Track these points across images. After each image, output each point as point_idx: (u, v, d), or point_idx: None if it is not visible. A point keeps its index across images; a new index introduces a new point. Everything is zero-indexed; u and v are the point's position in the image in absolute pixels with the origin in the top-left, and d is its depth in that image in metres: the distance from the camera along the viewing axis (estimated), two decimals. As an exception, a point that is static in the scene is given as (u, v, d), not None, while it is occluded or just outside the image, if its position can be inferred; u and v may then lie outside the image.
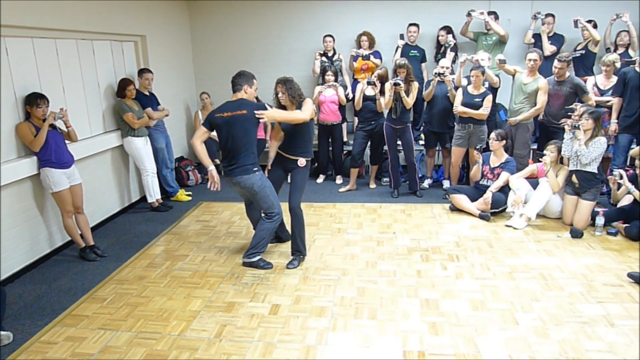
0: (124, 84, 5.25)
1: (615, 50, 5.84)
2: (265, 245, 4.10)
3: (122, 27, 5.50)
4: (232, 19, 7.25)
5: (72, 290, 3.81)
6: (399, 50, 6.49)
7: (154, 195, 5.59)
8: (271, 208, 4.01)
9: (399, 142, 5.78)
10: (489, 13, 6.12)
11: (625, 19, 5.70)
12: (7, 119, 3.96)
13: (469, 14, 6.09)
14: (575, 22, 5.87)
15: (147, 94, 5.66)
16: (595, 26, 5.90)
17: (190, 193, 6.17)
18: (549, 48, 6.09)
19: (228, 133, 3.85)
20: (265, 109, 3.87)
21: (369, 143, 6.05)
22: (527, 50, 5.63)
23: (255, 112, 3.80)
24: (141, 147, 5.39)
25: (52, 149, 4.06)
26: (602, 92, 5.54)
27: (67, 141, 4.32)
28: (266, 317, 3.32)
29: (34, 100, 3.99)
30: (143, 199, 5.88)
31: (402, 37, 6.51)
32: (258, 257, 4.06)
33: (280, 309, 3.40)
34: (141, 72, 5.62)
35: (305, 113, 3.94)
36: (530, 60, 5.28)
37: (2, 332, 3.12)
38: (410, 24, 6.50)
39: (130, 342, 3.07)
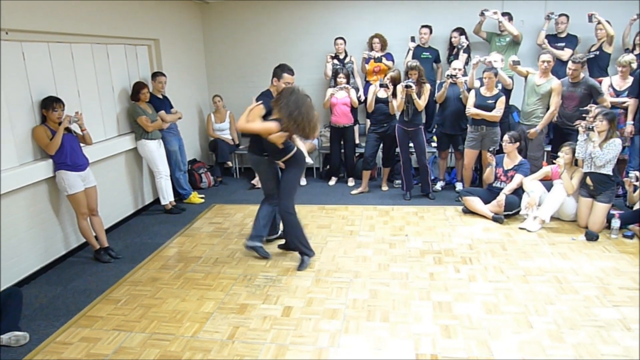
0: (138, 87, 5.31)
1: (632, 51, 5.77)
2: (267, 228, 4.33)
3: (136, 31, 5.57)
4: (244, 22, 7.30)
5: (87, 292, 3.85)
6: (410, 52, 6.47)
7: (167, 197, 5.64)
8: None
9: (411, 145, 5.76)
10: (503, 14, 6.08)
11: None
12: (24, 122, 4.03)
13: (482, 14, 6.06)
14: (590, 17, 5.80)
15: (161, 97, 5.71)
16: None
17: (203, 195, 6.21)
18: (563, 54, 6.02)
19: None
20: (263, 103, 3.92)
21: (381, 145, 6.04)
22: (540, 51, 5.58)
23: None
24: (154, 150, 5.44)
25: (67, 152, 4.12)
26: (617, 93, 5.46)
27: (82, 144, 4.38)
28: (278, 319, 3.32)
29: (49, 104, 4.05)
30: (156, 201, 5.93)
31: (413, 39, 6.50)
32: (259, 244, 4.26)
33: (292, 311, 3.41)
34: (154, 75, 5.68)
35: (249, 125, 3.80)
36: (543, 62, 5.24)
37: (19, 333, 3.17)
38: (422, 26, 6.48)
39: (144, 343, 3.10)
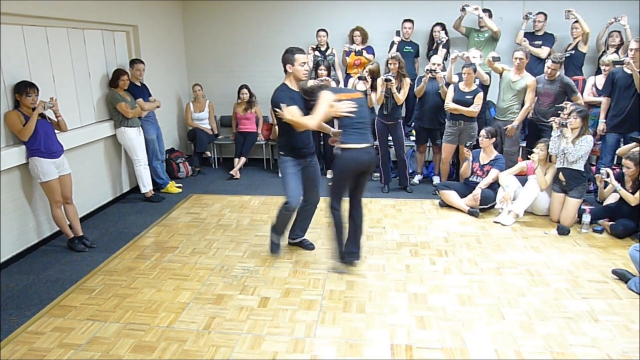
0: (118, 74, 5.22)
1: (605, 52, 5.90)
2: (282, 227, 4.07)
3: (114, 17, 5.45)
4: (225, 10, 7.21)
5: (60, 281, 3.79)
6: (395, 46, 6.47)
7: (147, 186, 5.59)
8: (285, 194, 3.87)
9: (390, 138, 5.79)
10: (483, 10, 6.13)
11: (623, 22, 5.72)
12: (-4, 107, 3.92)
13: (463, 9, 6.10)
14: (567, 14, 5.89)
15: (139, 84, 5.63)
16: None
17: (180, 185, 6.15)
18: (540, 53, 6.13)
19: None
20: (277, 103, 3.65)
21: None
22: (515, 49, 5.68)
23: (275, 110, 3.67)
24: (134, 138, 5.37)
25: (41, 139, 4.03)
26: (599, 93, 5.59)
27: (56, 131, 4.28)
28: (255, 309, 3.33)
29: (23, 89, 3.95)
30: (134, 189, 5.86)
31: (398, 33, 6.48)
32: (277, 237, 4.11)
33: (269, 302, 3.42)
34: (133, 62, 5.59)
35: (313, 118, 3.54)
36: (517, 58, 5.34)
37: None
38: (406, 20, 6.50)
39: (118, 333, 3.07)
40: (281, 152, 3.88)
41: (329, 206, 3.83)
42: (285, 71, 3.72)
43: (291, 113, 3.57)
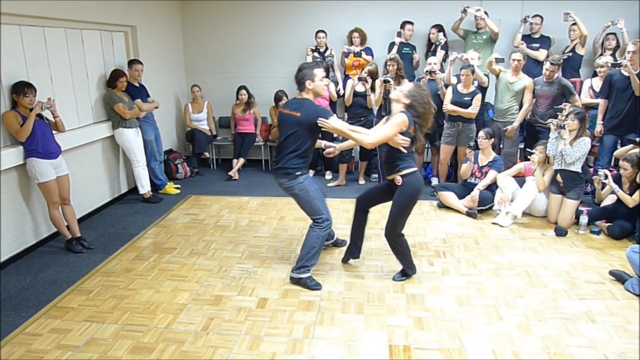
0: (116, 75, 5.22)
1: (602, 54, 5.92)
2: (316, 257, 3.63)
3: (112, 17, 5.45)
4: (224, 11, 7.21)
5: (58, 282, 3.78)
6: (395, 47, 6.46)
7: (146, 186, 5.58)
8: (317, 213, 3.60)
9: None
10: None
11: (621, 25, 5.75)
12: (-6, 107, 3.92)
13: (464, 11, 6.11)
14: (565, 16, 5.91)
15: (137, 85, 5.62)
16: None
17: (178, 186, 6.14)
18: (539, 55, 6.15)
19: (281, 130, 3.60)
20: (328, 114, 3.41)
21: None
22: (513, 50, 5.69)
23: (319, 120, 3.38)
24: (132, 139, 5.36)
25: (38, 139, 4.02)
26: (597, 94, 5.62)
27: (54, 131, 4.28)
28: (253, 310, 3.33)
29: (21, 89, 3.94)
30: (132, 190, 5.85)
31: (399, 34, 6.49)
32: (307, 275, 3.63)
33: (267, 303, 3.42)
34: (131, 63, 5.58)
35: (372, 137, 3.39)
36: (514, 60, 5.37)
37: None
38: (407, 22, 6.50)
39: (116, 335, 3.06)
40: (298, 173, 3.53)
41: (396, 234, 3.62)
42: (303, 88, 3.51)
43: (341, 125, 3.46)
